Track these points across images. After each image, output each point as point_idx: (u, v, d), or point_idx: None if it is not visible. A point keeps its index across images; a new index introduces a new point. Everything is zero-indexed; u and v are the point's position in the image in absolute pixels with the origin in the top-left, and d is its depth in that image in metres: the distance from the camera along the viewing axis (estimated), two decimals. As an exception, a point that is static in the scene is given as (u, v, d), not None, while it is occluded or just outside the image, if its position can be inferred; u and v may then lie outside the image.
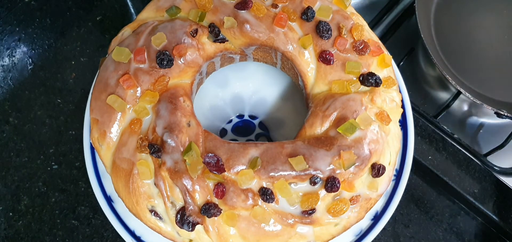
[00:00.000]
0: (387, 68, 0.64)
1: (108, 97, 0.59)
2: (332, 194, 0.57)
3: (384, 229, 0.66)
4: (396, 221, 0.74)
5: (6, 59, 0.84)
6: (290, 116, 0.72)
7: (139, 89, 0.60)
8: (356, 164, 0.57)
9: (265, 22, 0.63)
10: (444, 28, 0.92)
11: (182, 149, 0.56)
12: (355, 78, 0.62)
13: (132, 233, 0.63)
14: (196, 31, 0.62)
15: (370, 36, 0.65)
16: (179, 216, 0.56)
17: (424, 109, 0.86)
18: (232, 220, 0.55)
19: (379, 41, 0.66)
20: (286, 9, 0.63)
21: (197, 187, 0.55)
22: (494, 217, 0.75)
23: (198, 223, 0.55)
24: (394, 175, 0.66)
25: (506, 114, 0.80)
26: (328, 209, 0.57)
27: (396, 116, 0.63)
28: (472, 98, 0.80)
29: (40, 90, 0.81)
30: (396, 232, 0.74)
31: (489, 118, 0.90)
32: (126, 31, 0.65)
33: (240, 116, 0.72)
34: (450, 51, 0.90)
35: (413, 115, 0.71)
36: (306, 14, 0.63)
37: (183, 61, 0.62)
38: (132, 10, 0.90)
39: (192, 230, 0.56)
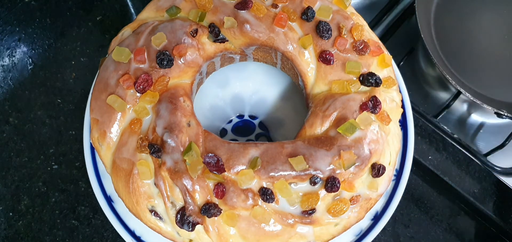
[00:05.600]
0: (387, 68, 0.64)
1: (108, 97, 0.59)
2: (332, 194, 0.57)
3: (384, 229, 0.66)
4: (396, 221, 0.74)
5: (6, 59, 0.84)
6: (290, 116, 0.72)
7: (139, 89, 0.60)
8: (356, 164, 0.57)
9: (265, 22, 0.63)
10: (444, 28, 0.92)
11: (182, 149, 0.56)
12: (355, 78, 0.62)
13: (132, 233, 0.63)
14: (196, 31, 0.62)
15: (370, 36, 0.65)
16: (179, 216, 0.56)
17: (424, 109, 0.86)
18: (232, 220, 0.55)
19: (379, 41, 0.66)
20: (286, 9, 0.63)
21: (197, 187, 0.55)
22: (494, 217, 0.75)
23: (198, 223, 0.55)
24: (394, 175, 0.66)
25: (506, 114, 0.80)
26: (328, 209, 0.57)
27: (396, 116, 0.63)
28: (472, 98, 0.80)
29: (40, 90, 0.81)
30: (396, 232, 0.74)
31: (489, 118, 0.90)
32: (126, 31, 0.65)
33: (240, 116, 0.72)
34: (450, 51, 0.90)
35: (413, 115, 0.71)
36: (306, 14, 0.63)
37: (183, 61, 0.62)
38: (132, 10, 0.90)
39: (192, 230, 0.56)
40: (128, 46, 0.61)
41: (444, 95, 0.91)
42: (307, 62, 0.64)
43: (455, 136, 0.82)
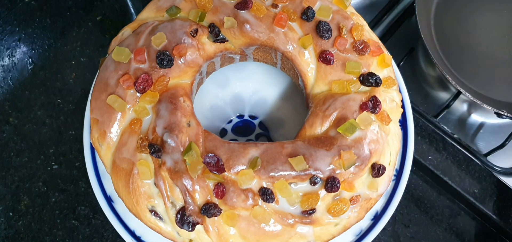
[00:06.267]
0: (387, 68, 0.64)
1: (108, 97, 0.59)
2: (332, 194, 0.57)
3: (384, 229, 0.66)
4: (396, 221, 0.74)
5: (6, 59, 0.84)
6: (290, 116, 0.72)
7: (139, 89, 0.60)
8: (356, 164, 0.57)
9: (265, 22, 0.63)
10: (444, 28, 0.92)
11: (182, 149, 0.56)
12: (355, 78, 0.62)
13: (132, 233, 0.63)
14: (196, 31, 0.62)
15: (370, 36, 0.65)
16: (179, 216, 0.56)
17: (424, 109, 0.86)
18: (232, 220, 0.55)
19: (379, 41, 0.66)
20: (286, 9, 0.63)
21: (197, 187, 0.55)
22: (494, 217, 0.75)
23: (198, 223, 0.55)
24: (394, 175, 0.66)
25: (506, 114, 0.80)
26: (328, 209, 0.57)
27: (396, 116, 0.63)
28: (472, 98, 0.80)
29: (40, 90, 0.81)
30: (396, 232, 0.74)
31: (489, 118, 0.90)
32: (126, 31, 0.65)
33: (240, 116, 0.72)
34: (450, 51, 0.90)
35: (413, 115, 0.71)
36: (306, 14, 0.63)
37: (183, 61, 0.62)
38: (132, 10, 0.90)
39: (192, 230, 0.56)
40: (128, 46, 0.61)
41: (444, 95, 0.91)
42: (307, 62, 0.64)
43: (455, 136, 0.82)
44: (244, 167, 0.56)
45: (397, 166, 0.66)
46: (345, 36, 0.62)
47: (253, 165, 0.56)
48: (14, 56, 0.84)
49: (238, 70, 0.75)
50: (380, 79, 0.61)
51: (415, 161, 0.77)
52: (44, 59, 0.84)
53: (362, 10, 0.95)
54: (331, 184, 0.56)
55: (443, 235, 0.74)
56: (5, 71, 0.83)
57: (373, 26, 0.92)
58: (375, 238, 0.63)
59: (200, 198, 0.55)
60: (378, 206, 0.65)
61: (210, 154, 0.56)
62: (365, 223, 0.64)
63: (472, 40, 0.91)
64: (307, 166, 0.56)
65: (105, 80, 0.60)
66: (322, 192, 0.56)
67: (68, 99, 0.81)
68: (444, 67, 0.87)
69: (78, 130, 0.78)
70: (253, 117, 0.72)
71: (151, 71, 0.60)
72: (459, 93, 0.85)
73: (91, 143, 0.65)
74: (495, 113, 0.82)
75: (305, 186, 0.57)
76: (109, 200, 0.64)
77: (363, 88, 0.62)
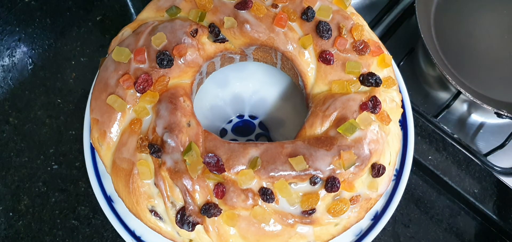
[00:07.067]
0: (387, 68, 0.64)
1: (108, 97, 0.59)
2: (332, 194, 0.57)
3: (384, 229, 0.66)
4: (396, 221, 0.74)
5: (6, 59, 0.84)
6: (290, 116, 0.72)
7: (139, 89, 0.60)
8: (356, 164, 0.57)
9: (265, 22, 0.63)
10: (444, 28, 0.92)
11: (182, 149, 0.56)
12: (355, 78, 0.62)
13: (132, 233, 0.63)
14: (196, 31, 0.62)
15: (370, 36, 0.65)
16: (179, 216, 0.56)
17: (424, 109, 0.86)
18: (232, 220, 0.55)
19: (379, 41, 0.66)
20: (286, 9, 0.63)
21: (197, 187, 0.55)
22: (494, 217, 0.75)
23: (198, 223, 0.55)
24: (394, 175, 0.66)
25: (506, 114, 0.80)
26: (328, 209, 0.57)
27: (396, 116, 0.63)
28: (472, 98, 0.80)
29: (40, 90, 0.81)
30: (396, 232, 0.74)
31: (489, 118, 0.90)
32: (126, 31, 0.65)
33: (240, 116, 0.72)
34: (450, 51, 0.90)
35: (413, 115, 0.71)
36: (306, 14, 0.63)
37: (183, 61, 0.62)
38: (132, 10, 0.90)
39: (192, 230, 0.56)
40: (128, 46, 0.61)
41: (444, 95, 0.91)
42: (307, 62, 0.64)
43: (455, 136, 0.82)
44: (244, 167, 0.56)
45: (397, 166, 0.66)
46: (345, 36, 0.62)
47: (253, 165, 0.56)
48: (14, 56, 0.84)
49: (238, 70, 0.75)
50: (380, 79, 0.61)
51: (415, 161, 0.77)
52: (44, 59, 0.84)
53: (362, 10, 0.95)
54: (331, 184, 0.56)
55: (443, 235, 0.74)
56: (5, 71, 0.83)
57: (373, 26, 0.92)
58: (375, 238, 0.63)
59: (200, 198, 0.55)
60: (378, 206, 0.65)
61: (210, 154, 0.56)
62: (365, 223, 0.64)
63: (472, 40, 0.91)
64: (307, 166, 0.56)
65: (105, 80, 0.60)
66: (322, 192, 0.56)
67: (68, 99, 0.81)
68: (444, 67, 0.87)
69: (78, 130, 0.78)
70: (253, 117, 0.72)
71: (151, 71, 0.60)
72: (459, 93, 0.85)
73: (91, 143, 0.65)
74: (495, 113, 0.82)
75: (305, 186, 0.57)
76: (109, 200, 0.64)
77: (363, 88, 0.62)
